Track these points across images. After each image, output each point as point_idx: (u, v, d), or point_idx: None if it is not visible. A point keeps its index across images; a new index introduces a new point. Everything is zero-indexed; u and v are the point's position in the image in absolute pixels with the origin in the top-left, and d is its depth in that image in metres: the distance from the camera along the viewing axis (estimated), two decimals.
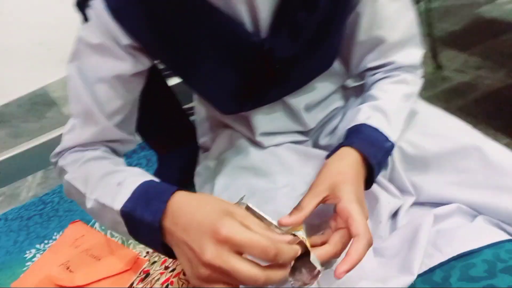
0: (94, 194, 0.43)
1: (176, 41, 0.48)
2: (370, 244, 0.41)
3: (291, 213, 0.42)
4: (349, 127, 0.52)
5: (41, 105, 2.16)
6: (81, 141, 0.51)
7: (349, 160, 0.48)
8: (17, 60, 2.00)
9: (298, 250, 0.35)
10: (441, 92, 1.20)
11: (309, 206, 0.42)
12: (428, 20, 1.35)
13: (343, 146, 0.49)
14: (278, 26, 0.50)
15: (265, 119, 0.63)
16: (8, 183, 1.10)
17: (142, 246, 0.78)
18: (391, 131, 0.52)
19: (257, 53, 0.51)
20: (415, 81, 0.58)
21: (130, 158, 1.00)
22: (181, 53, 0.51)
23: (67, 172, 0.50)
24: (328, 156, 0.50)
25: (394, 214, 0.60)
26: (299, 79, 0.58)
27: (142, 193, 0.40)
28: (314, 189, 0.45)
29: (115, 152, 0.55)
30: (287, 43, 0.51)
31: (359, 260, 0.39)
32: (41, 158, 1.02)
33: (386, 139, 0.51)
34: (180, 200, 0.37)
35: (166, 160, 0.89)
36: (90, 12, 0.50)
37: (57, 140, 0.95)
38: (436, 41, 1.35)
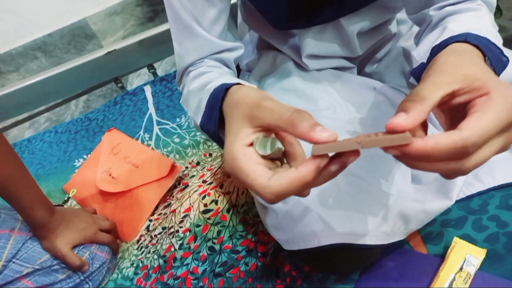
0: (191, 113, 0.50)
1: None
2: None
3: (404, 106, 0.29)
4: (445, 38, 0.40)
5: (82, 38, 2.21)
6: (189, 60, 0.55)
7: (477, 55, 0.36)
8: None
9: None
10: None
11: (434, 97, 0.30)
12: None
13: (460, 42, 0.37)
14: None
15: (314, 41, 0.62)
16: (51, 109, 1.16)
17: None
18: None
19: None
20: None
21: (171, 83, 1.03)
22: None
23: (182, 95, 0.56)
24: (435, 53, 0.38)
25: None
26: (356, 1, 0.57)
27: (208, 107, 0.44)
28: (436, 78, 0.32)
29: (225, 62, 0.57)
30: None
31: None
32: (83, 83, 1.06)
33: (501, 52, 0.39)
34: (225, 106, 0.39)
35: None
36: None
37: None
38: None
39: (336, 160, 0.30)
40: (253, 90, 0.37)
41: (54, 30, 2.12)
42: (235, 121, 0.35)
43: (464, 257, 0.50)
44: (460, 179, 0.53)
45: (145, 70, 1.09)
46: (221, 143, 0.46)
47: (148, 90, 1.04)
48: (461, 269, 0.49)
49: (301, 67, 0.65)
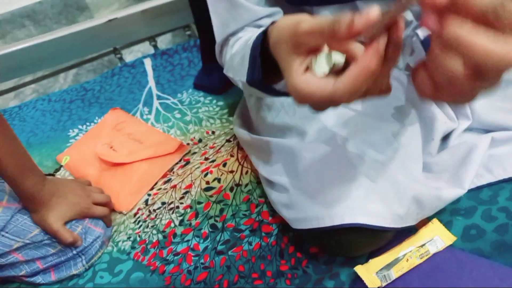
0: (237, 75, 0.49)
1: None
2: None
3: None
4: None
5: (73, 8, 2.13)
6: (230, 31, 0.54)
7: None
8: None
9: None
10: None
11: None
12: None
13: None
14: None
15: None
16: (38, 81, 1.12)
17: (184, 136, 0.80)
18: None
19: None
20: None
21: (171, 58, 1.00)
22: None
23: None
24: None
25: (446, 137, 0.60)
26: None
27: (251, 57, 0.43)
28: None
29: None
30: None
31: None
32: (79, 52, 1.01)
33: None
34: (271, 50, 0.38)
35: (208, 68, 0.89)
36: None
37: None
38: None
39: (390, 38, 0.29)
40: (286, 20, 0.35)
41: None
42: (283, 58, 0.34)
43: (433, 237, 0.51)
44: (473, 167, 0.53)
45: (145, 44, 1.06)
46: (274, 93, 0.45)
47: (148, 63, 1.00)
48: (422, 245, 0.50)
49: None
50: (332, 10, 0.58)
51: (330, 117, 0.55)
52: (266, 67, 0.41)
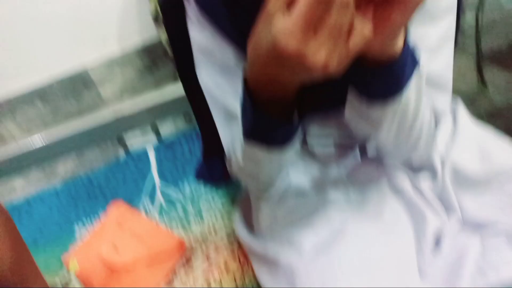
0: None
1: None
2: None
3: None
4: None
5: (80, 85, 2.24)
6: (237, 145, 0.55)
7: None
8: (60, 36, 2.06)
9: None
10: (485, 113, 1.19)
11: None
12: (475, 32, 1.33)
13: None
14: None
15: (317, 129, 0.64)
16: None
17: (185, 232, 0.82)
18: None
19: None
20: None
21: (173, 147, 1.04)
22: None
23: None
24: None
25: (437, 240, 0.61)
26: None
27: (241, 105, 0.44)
28: None
29: None
30: None
31: None
32: (82, 141, 1.06)
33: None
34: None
35: (209, 159, 0.93)
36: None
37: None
38: (482, 57, 1.33)
39: None
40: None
41: (54, 76, 2.15)
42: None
43: None
44: (465, 279, 0.54)
45: (148, 131, 1.11)
46: (273, 131, 0.44)
47: (151, 152, 1.05)
48: None
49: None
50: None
51: (323, 226, 0.57)
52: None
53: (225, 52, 0.53)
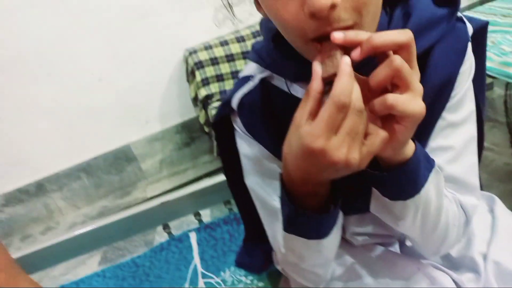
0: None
1: None
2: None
3: None
4: None
5: (123, 160, 2.38)
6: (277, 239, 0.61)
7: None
8: (108, 119, 2.25)
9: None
10: None
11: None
12: (506, 105, 1.36)
13: None
14: None
15: (355, 221, 0.68)
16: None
17: None
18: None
19: None
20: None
21: (214, 231, 1.09)
22: None
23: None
24: None
25: None
26: None
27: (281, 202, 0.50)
28: None
29: None
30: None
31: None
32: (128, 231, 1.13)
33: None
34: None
35: (249, 246, 0.96)
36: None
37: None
38: None
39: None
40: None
41: (99, 153, 2.30)
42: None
43: None
44: None
45: (191, 217, 1.17)
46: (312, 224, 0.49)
47: (193, 237, 1.10)
48: None
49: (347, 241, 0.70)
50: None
51: None
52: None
53: (267, 160, 0.60)
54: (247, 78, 0.59)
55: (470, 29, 0.54)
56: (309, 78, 0.40)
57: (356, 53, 0.37)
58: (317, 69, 0.39)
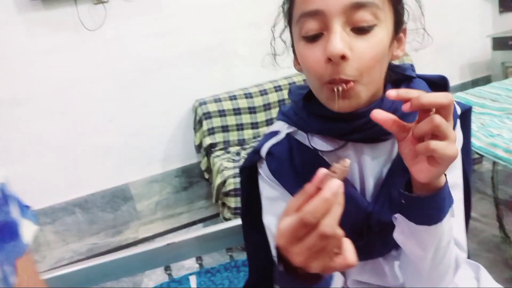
0: None
1: None
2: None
3: None
4: None
5: (120, 199, 2.41)
6: None
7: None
8: (111, 159, 2.31)
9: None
10: (510, 258, 1.23)
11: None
12: (493, 181, 1.45)
13: None
14: (379, 196, 0.63)
15: (356, 270, 0.73)
16: None
17: None
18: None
19: (362, 212, 0.63)
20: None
21: (214, 276, 1.12)
22: None
23: None
24: None
25: None
26: (388, 245, 0.70)
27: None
28: None
29: None
30: (385, 211, 0.63)
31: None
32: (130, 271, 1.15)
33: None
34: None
35: None
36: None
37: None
38: (501, 205, 1.43)
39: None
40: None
41: (98, 190, 2.33)
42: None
43: None
44: None
45: (192, 260, 1.20)
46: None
47: (193, 280, 1.12)
48: None
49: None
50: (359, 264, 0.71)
51: None
52: None
53: (286, 203, 0.67)
54: (275, 133, 0.69)
55: (458, 110, 0.65)
56: (328, 132, 0.54)
57: (406, 107, 0.46)
58: (318, 174, 0.43)
